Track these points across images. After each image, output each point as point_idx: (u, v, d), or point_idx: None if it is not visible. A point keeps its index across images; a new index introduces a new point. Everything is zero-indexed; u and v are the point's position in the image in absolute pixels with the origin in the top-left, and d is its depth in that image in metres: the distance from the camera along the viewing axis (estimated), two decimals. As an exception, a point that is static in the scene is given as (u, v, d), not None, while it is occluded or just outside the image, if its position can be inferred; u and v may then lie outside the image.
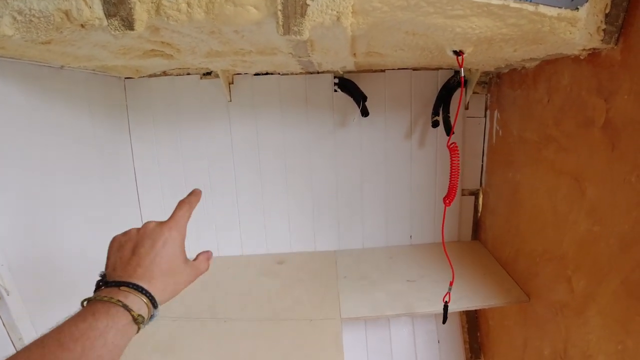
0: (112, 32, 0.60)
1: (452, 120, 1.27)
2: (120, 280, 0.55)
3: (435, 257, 1.39)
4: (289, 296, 1.23)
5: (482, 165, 1.44)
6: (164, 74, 1.33)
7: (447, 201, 0.98)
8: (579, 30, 0.68)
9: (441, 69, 1.32)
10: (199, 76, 1.34)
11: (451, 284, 1.01)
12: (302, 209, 1.48)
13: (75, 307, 0.51)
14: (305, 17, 0.58)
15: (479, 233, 1.52)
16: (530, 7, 0.61)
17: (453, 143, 0.94)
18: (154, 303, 0.55)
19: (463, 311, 1.55)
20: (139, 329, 0.53)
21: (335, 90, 1.33)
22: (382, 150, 1.41)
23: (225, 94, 1.33)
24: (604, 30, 0.69)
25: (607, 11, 0.67)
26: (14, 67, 0.85)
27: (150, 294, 0.55)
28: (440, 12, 0.59)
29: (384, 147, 1.41)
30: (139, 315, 0.52)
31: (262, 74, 1.33)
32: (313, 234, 1.51)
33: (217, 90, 1.34)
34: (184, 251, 0.64)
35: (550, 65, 0.96)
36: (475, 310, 1.54)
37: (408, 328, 1.53)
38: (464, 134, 1.40)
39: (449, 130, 1.25)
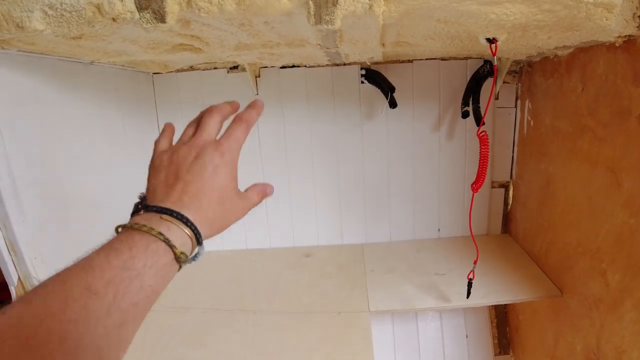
0: (144, 26, 0.60)
1: (482, 110, 1.24)
2: (162, 207, 0.47)
3: (464, 251, 1.36)
4: (317, 289, 1.23)
5: (513, 156, 1.41)
6: (191, 68, 1.35)
7: (475, 187, 0.97)
8: (615, 17, 0.65)
9: (470, 58, 1.29)
10: (225, 70, 1.35)
11: (475, 262, 1.02)
12: (329, 202, 1.47)
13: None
14: (337, 5, 0.57)
15: (509, 226, 1.49)
16: (566, -8, 0.59)
17: (483, 132, 0.93)
18: (198, 239, 0.48)
19: (492, 306, 1.53)
20: (179, 268, 0.46)
21: (362, 82, 1.32)
22: (410, 143, 1.39)
23: (252, 87, 1.33)
24: (639, 16, 0.67)
25: (643, -4, 0.65)
26: (44, 62, 0.86)
27: (196, 227, 0.47)
28: (474, -2, 0.58)
29: (411, 139, 1.39)
30: (181, 253, 0.44)
31: (289, 67, 1.33)
32: (340, 227, 1.50)
33: (244, 84, 1.34)
34: (235, 180, 0.55)
35: (584, 53, 0.94)
36: (505, 305, 1.52)
37: (436, 322, 1.52)
38: (494, 124, 1.38)
39: (479, 120, 1.23)
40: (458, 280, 1.18)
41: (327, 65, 1.31)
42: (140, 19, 0.59)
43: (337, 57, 1.10)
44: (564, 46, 0.92)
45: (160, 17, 0.59)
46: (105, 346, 0.36)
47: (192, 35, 0.78)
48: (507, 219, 1.49)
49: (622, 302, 0.83)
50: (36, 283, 0.75)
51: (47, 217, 0.87)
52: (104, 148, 1.07)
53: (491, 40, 0.75)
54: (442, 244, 1.45)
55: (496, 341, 1.54)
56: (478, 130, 0.93)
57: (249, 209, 0.58)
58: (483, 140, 0.94)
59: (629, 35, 0.74)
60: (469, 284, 1.07)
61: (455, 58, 1.30)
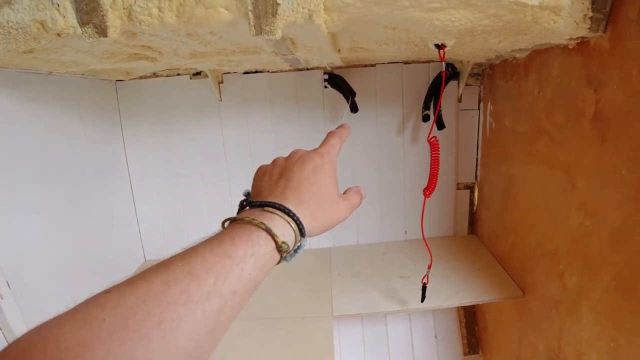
0: (87, 40, 0.59)
1: (442, 114, 1.25)
2: (265, 201, 0.49)
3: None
4: (283, 294, 1.22)
5: (477, 158, 1.42)
6: (154, 75, 1.32)
7: (427, 192, 0.97)
8: (564, 19, 0.65)
9: (432, 61, 1.29)
10: (189, 76, 1.33)
11: (429, 267, 1.03)
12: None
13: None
14: (277, 16, 0.56)
15: (475, 227, 1.50)
16: (510, -3, 0.58)
17: (433, 137, 0.94)
18: (302, 230, 0.48)
19: (461, 306, 1.54)
20: (281, 259, 0.47)
21: (326, 87, 1.31)
22: (375, 146, 1.39)
23: (215, 93, 1.32)
24: (590, 17, 0.67)
25: (593, -3, 0.65)
26: (1, 75, 0.84)
27: (297, 217, 0.48)
28: (417, 6, 0.57)
29: (376, 142, 1.39)
30: (283, 242, 0.45)
31: (252, 72, 1.32)
32: (307, 232, 1.49)
33: (207, 90, 1.32)
34: (336, 181, 0.57)
35: (540, 55, 0.94)
36: (473, 305, 1.53)
37: (405, 324, 1.52)
38: (458, 127, 1.38)
39: (440, 124, 1.23)
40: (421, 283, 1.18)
41: (289, 70, 1.30)
42: (82, 33, 0.59)
43: (297, 63, 1.09)
44: (520, 49, 0.92)
45: (102, 32, 0.58)
46: (202, 331, 0.36)
47: (142, 46, 0.77)
48: (473, 220, 1.50)
49: (579, 304, 0.84)
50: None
51: (5, 228, 0.84)
52: (65, 158, 1.04)
53: (439, 46, 0.75)
54: (408, 246, 1.45)
55: (465, 341, 1.55)
56: (428, 136, 0.93)
57: (352, 210, 0.59)
58: (433, 145, 0.94)
59: (582, 37, 0.74)
60: (423, 288, 1.07)
61: (417, 62, 1.30)
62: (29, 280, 0.87)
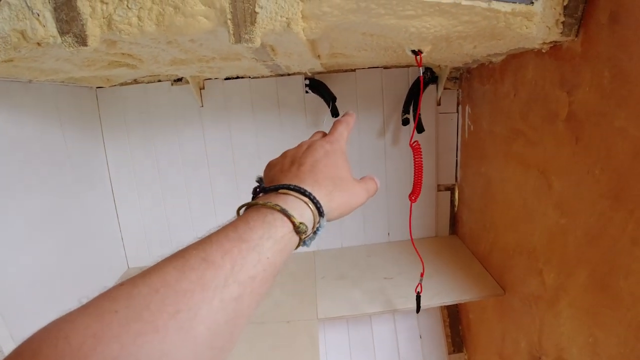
0: (67, 49, 0.59)
1: (421, 117, 1.27)
2: (278, 184, 0.47)
3: (413, 254, 1.37)
4: (268, 299, 1.22)
5: (457, 160, 1.45)
6: (135, 82, 1.32)
7: (413, 197, 0.98)
8: (536, 25, 0.67)
9: (411, 66, 1.31)
10: (170, 83, 1.32)
11: (422, 275, 1.03)
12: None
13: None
14: (256, 24, 0.57)
15: (456, 228, 1.52)
16: (482, 4, 0.60)
17: (415, 141, 0.95)
18: (320, 210, 0.46)
19: (444, 306, 1.56)
20: (300, 242, 0.45)
21: (307, 92, 1.32)
22: (357, 150, 1.40)
23: (196, 99, 1.32)
24: (562, 22, 0.69)
25: (565, 3, 0.67)
26: (-20, 84, 0.83)
27: (314, 197, 0.46)
28: (392, 13, 0.59)
29: (357, 146, 1.40)
30: (300, 223, 0.43)
31: (233, 78, 1.32)
32: (292, 236, 1.49)
33: (188, 96, 1.32)
34: (348, 165, 0.55)
35: (516, 59, 0.97)
36: (456, 304, 1.55)
37: (389, 325, 1.53)
38: (438, 130, 1.41)
39: (420, 127, 1.25)
40: (405, 283, 1.20)
41: (270, 76, 1.31)
42: (62, 43, 0.59)
43: (278, 69, 1.10)
44: (495, 53, 0.94)
45: (82, 41, 0.59)
46: (221, 320, 0.35)
47: (122, 53, 0.77)
48: (454, 220, 1.52)
49: (558, 300, 0.86)
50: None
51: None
52: (45, 166, 1.03)
53: (416, 52, 0.77)
54: (392, 248, 1.47)
55: (450, 340, 1.57)
56: (410, 140, 0.95)
57: (368, 195, 0.57)
58: (416, 150, 0.95)
59: (554, 42, 0.76)
60: (418, 298, 1.08)
61: (396, 66, 1.32)
62: (8, 291, 0.86)
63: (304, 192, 0.46)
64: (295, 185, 0.46)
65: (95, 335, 0.28)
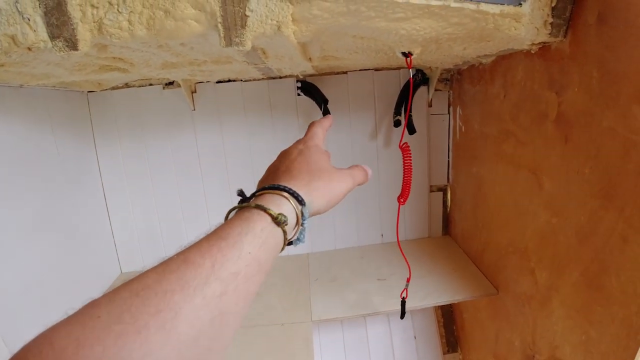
0: (58, 54, 0.59)
1: (413, 119, 1.28)
2: (255, 190, 0.50)
3: (407, 254, 1.39)
4: (261, 302, 1.22)
5: (448, 161, 1.45)
6: (126, 85, 1.31)
7: (402, 200, 0.99)
8: (524, 26, 0.68)
9: (403, 68, 1.32)
10: (161, 86, 1.32)
11: (408, 280, 1.04)
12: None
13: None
14: (246, 28, 0.57)
15: (449, 228, 1.53)
16: (471, 6, 0.61)
17: (405, 143, 0.95)
18: (298, 199, 0.48)
19: (438, 306, 1.56)
20: (285, 235, 0.45)
21: (299, 94, 1.32)
22: (349, 151, 1.41)
23: (188, 102, 1.31)
24: (551, 23, 0.69)
25: (553, 4, 0.67)
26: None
27: (289, 188, 0.48)
28: (382, 16, 0.59)
29: (350, 148, 1.40)
30: (279, 214, 0.44)
31: (225, 81, 1.32)
32: (284, 239, 1.49)
33: (180, 100, 1.32)
34: (326, 157, 0.58)
35: (505, 60, 0.97)
36: (450, 304, 1.55)
37: (384, 326, 1.54)
38: (429, 131, 1.41)
39: (411, 129, 1.26)
40: (399, 284, 1.19)
41: (262, 78, 1.31)
42: (53, 47, 0.59)
43: (269, 72, 1.10)
44: (485, 55, 0.95)
45: (73, 45, 0.59)
46: (205, 318, 0.35)
47: (113, 57, 0.77)
48: (447, 221, 1.53)
49: (550, 299, 0.86)
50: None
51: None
52: (37, 171, 1.03)
53: (406, 54, 0.77)
54: (385, 249, 1.47)
55: (444, 340, 1.57)
56: (400, 142, 0.95)
57: (354, 180, 0.60)
58: (405, 151, 0.95)
59: (543, 42, 0.77)
60: (402, 303, 1.08)
61: (388, 68, 1.32)
62: (0, 296, 0.85)
63: (277, 187, 0.48)
64: (270, 185, 0.49)
65: (78, 339, 0.29)
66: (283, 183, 0.49)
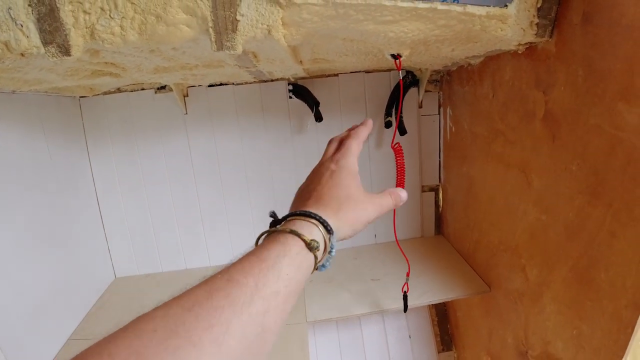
0: (51, 59, 0.60)
1: (404, 120, 1.29)
2: (286, 214, 0.52)
3: (399, 255, 1.39)
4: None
5: (440, 161, 1.47)
6: (118, 90, 1.31)
7: None
8: (510, 27, 0.69)
9: (393, 70, 1.33)
10: (153, 91, 1.32)
11: (408, 274, 1.06)
12: (266, 217, 1.46)
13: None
14: (237, 32, 0.58)
15: (441, 228, 1.54)
16: (458, 8, 0.62)
17: (397, 143, 0.96)
18: (327, 228, 0.49)
19: (432, 305, 1.57)
20: (316, 259, 0.47)
21: (290, 97, 1.33)
22: (341, 153, 1.41)
23: (180, 106, 1.32)
24: (537, 24, 0.71)
25: (539, 5, 0.69)
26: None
27: (320, 217, 0.49)
28: (371, 19, 0.60)
29: (342, 149, 1.41)
30: (312, 240, 0.46)
31: (217, 85, 1.33)
32: (279, 241, 1.50)
33: (172, 104, 1.33)
34: (356, 180, 0.58)
35: (493, 61, 0.99)
36: (444, 303, 1.56)
37: (379, 326, 1.55)
38: (420, 132, 1.42)
39: (402, 130, 1.27)
40: (393, 284, 1.21)
41: (254, 82, 1.32)
42: (46, 53, 0.59)
43: (261, 75, 1.11)
44: (474, 56, 0.96)
45: (65, 51, 0.59)
46: (251, 334, 0.37)
47: (106, 62, 0.78)
48: (439, 220, 1.54)
49: (541, 295, 0.87)
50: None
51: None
52: (30, 177, 1.03)
53: (395, 56, 0.78)
54: (378, 250, 1.48)
55: (439, 339, 1.58)
56: (392, 143, 0.96)
57: (381, 208, 0.59)
58: (397, 152, 0.96)
59: (530, 43, 0.78)
60: (404, 297, 1.09)
61: (378, 70, 1.34)
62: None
63: (309, 214, 0.49)
64: (301, 211, 0.50)
65: (137, 352, 0.31)
66: (314, 210, 0.51)
